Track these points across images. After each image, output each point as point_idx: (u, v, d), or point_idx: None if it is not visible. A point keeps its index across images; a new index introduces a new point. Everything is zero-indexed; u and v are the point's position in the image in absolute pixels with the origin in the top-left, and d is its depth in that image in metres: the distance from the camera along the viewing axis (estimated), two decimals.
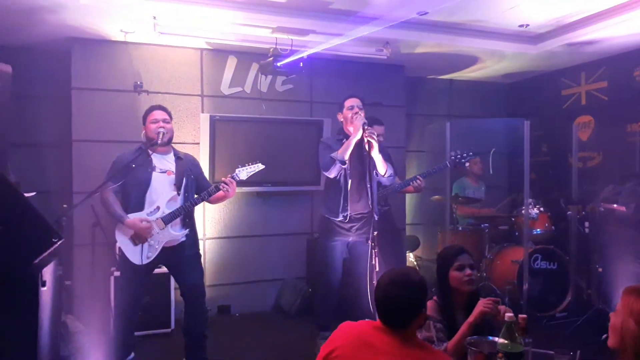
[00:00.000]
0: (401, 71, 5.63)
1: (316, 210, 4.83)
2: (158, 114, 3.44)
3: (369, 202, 3.65)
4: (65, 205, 3.22)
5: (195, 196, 3.47)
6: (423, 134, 6.11)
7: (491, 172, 5.51)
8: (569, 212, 4.73)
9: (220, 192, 3.44)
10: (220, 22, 4.20)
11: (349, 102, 3.80)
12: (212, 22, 4.20)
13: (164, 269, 3.97)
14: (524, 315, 2.13)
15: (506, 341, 1.95)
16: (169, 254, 3.41)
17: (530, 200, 4.76)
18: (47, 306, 2.40)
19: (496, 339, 2.01)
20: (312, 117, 5.15)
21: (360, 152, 3.65)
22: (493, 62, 5.53)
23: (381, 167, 3.67)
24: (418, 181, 4.30)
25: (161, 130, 3.37)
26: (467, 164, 4.26)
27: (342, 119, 3.83)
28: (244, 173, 3.54)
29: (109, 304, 4.06)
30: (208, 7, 3.97)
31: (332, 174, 3.69)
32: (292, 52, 4.33)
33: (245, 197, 4.93)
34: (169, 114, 3.50)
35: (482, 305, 2.31)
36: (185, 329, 3.50)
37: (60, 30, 4.25)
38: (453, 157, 4.29)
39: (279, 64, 4.26)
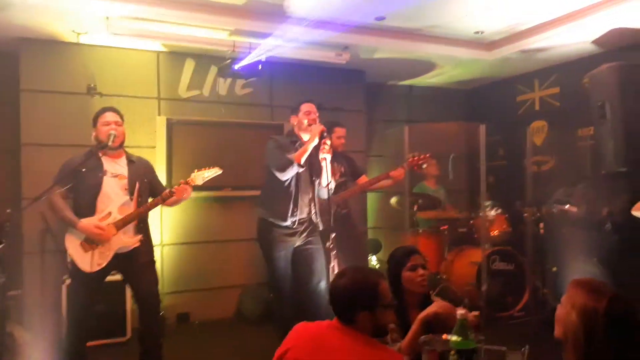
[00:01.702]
0: (361, 76, 5.68)
1: None
2: (109, 116, 3.32)
3: (313, 206, 3.66)
4: (9, 211, 3.09)
5: (150, 200, 3.38)
6: (382, 139, 6.16)
7: (450, 177, 5.59)
8: (525, 214, 4.84)
9: (174, 197, 3.34)
10: (176, 24, 4.14)
11: (305, 107, 3.73)
12: (168, 24, 4.13)
13: (119, 276, 3.86)
14: (477, 313, 2.16)
15: (458, 338, 1.97)
16: (122, 261, 3.28)
17: (488, 202, 4.87)
18: None
19: (449, 336, 2.02)
20: (273, 121, 5.13)
21: (309, 157, 3.58)
22: (450, 68, 5.65)
23: (327, 177, 3.55)
24: (396, 172, 4.21)
25: (112, 132, 3.25)
26: (424, 166, 4.28)
27: (295, 122, 3.79)
28: (199, 178, 3.45)
29: (60, 313, 3.92)
30: (163, 9, 3.92)
31: (286, 176, 3.56)
32: (250, 55, 4.30)
33: (204, 201, 4.85)
34: (121, 116, 3.38)
35: (436, 307, 2.28)
36: (139, 338, 3.40)
37: (8, 30, 4.10)
38: (411, 159, 4.29)
39: (237, 67, 4.22)
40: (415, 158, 4.27)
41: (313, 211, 3.70)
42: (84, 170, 3.21)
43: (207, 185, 4.60)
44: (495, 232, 4.91)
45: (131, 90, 4.63)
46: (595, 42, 4.72)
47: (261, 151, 4.81)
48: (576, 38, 4.65)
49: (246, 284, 4.96)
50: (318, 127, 3.55)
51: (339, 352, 1.82)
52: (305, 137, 3.66)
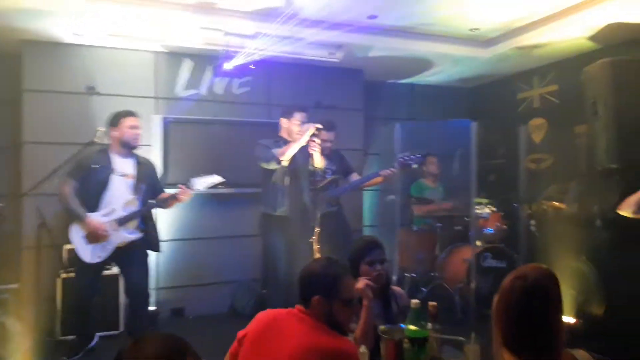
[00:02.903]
0: (359, 75, 5.71)
1: None
2: (135, 121, 3.57)
3: (304, 200, 3.85)
4: (1, 204, 3.23)
5: (151, 201, 3.54)
6: (378, 137, 6.17)
7: (456, 172, 5.59)
8: (520, 212, 4.82)
9: (174, 200, 3.56)
10: (172, 25, 4.24)
11: (298, 116, 3.95)
12: (164, 25, 4.24)
13: (113, 271, 3.99)
14: (434, 303, 2.19)
15: (412, 327, 2.01)
16: (120, 253, 3.47)
17: (485, 200, 4.87)
18: None
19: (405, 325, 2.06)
20: (270, 119, 5.19)
21: (298, 153, 3.81)
22: (448, 66, 5.64)
23: (318, 160, 3.84)
24: (387, 171, 4.27)
25: (139, 136, 3.55)
26: (414, 166, 4.29)
27: (285, 125, 3.93)
28: (199, 184, 3.62)
29: (55, 306, 4.05)
30: (159, 9, 4.02)
31: (270, 166, 3.87)
32: (244, 54, 4.38)
33: (199, 199, 4.93)
34: (139, 119, 3.65)
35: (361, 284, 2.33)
36: (128, 329, 3.53)
37: (10, 33, 4.25)
38: (401, 159, 4.33)
39: (231, 66, 4.31)
40: (405, 159, 4.28)
41: (305, 205, 3.89)
42: (94, 166, 3.41)
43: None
44: (490, 230, 4.89)
45: (129, 90, 4.74)
46: (592, 38, 4.68)
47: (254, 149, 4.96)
48: (572, 34, 4.61)
49: (240, 279, 5.03)
50: (309, 130, 3.70)
51: (292, 337, 1.87)
52: (291, 139, 3.90)
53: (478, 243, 4.82)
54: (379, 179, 4.35)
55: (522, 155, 5.08)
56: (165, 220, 4.86)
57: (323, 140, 4.37)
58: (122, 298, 4.22)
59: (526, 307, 1.48)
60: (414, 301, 2.04)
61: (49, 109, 4.48)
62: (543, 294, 1.50)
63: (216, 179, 3.67)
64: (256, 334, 1.96)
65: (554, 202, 4.40)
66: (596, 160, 4.23)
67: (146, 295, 3.62)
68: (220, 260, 5.02)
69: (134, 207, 3.45)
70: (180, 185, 3.58)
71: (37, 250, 3.96)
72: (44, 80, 4.49)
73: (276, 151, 3.78)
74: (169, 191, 3.77)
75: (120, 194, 3.44)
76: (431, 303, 2.18)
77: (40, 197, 4.04)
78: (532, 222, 4.54)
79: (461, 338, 2.14)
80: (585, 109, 4.33)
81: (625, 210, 3.68)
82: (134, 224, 3.48)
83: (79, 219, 3.35)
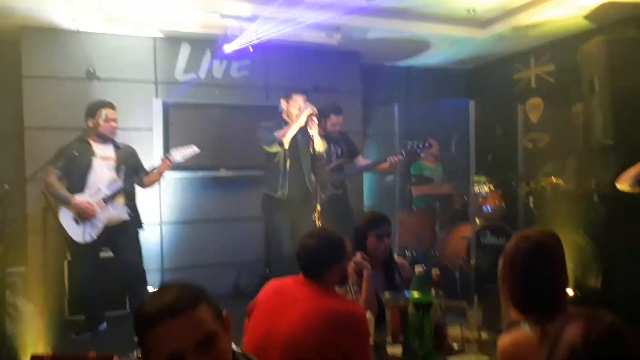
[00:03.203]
0: (356, 57, 5.74)
1: None
2: (112, 114, 3.72)
3: (306, 181, 3.91)
4: (7, 186, 3.28)
5: (134, 177, 3.75)
6: (376, 120, 6.22)
7: (453, 151, 5.66)
8: (518, 190, 4.90)
9: (154, 173, 3.75)
10: (169, 9, 4.26)
11: (297, 99, 3.97)
12: (161, 9, 4.25)
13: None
14: (437, 271, 2.26)
15: (417, 293, 2.08)
16: (111, 234, 3.63)
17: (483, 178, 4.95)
18: None
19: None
20: (268, 103, 5.23)
21: (299, 135, 3.86)
22: (445, 47, 5.67)
23: (319, 143, 3.88)
24: (395, 158, 4.28)
25: (114, 129, 3.72)
26: (422, 155, 4.32)
27: (285, 107, 3.98)
28: (177, 155, 3.79)
29: (63, 288, 4.12)
30: None
31: (272, 148, 3.92)
32: (242, 38, 4.40)
33: (201, 182, 5.00)
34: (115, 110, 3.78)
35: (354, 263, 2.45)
36: (132, 307, 3.66)
37: (9, 19, 4.26)
38: (409, 148, 4.28)
39: (229, 49, 4.34)
40: (413, 148, 4.26)
41: (306, 186, 3.95)
42: (75, 153, 3.60)
43: (204, 166, 4.79)
44: (488, 208, 4.97)
45: (129, 75, 4.77)
46: (587, 17, 4.72)
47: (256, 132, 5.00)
48: (567, 13, 4.65)
49: (243, 260, 5.11)
50: (306, 111, 3.75)
51: (302, 301, 1.94)
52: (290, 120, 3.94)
53: (477, 221, 4.89)
54: (386, 165, 4.37)
55: (520, 135, 5.14)
56: (169, 203, 4.93)
57: (332, 124, 4.42)
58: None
59: (531, 266, 1.55)
60: (418, 269, 2.11)
61: (49, 95, 4.51)
62: (547, 254, 1.57)
63: (193, 149, 3.85)
64: (266, 300, 2.03)
65: (552, 178, 4.48)
66: (593, 137, 4.30)
67: (142, 272, 3.74)
68: (223, 241, 5.08)
69: (118, 185, 3.62)
70: (161, 158, 3.78)
71: (43, 234, 4.01)
72: (43, 66, 4.51)
73: (277, 133, 3.82)
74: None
75: (103, 175, 3.63)
76: (435, 271, 2.25)
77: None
78: (530, 199, 4.62)
79: (464, 304, 2.21)
80: (581, 87, 4.38)
81: (622, 184, 3.76)
82: (120, 202, 3.65)
83: (66, 201, 3.52)
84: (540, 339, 1.46)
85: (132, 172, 3.74)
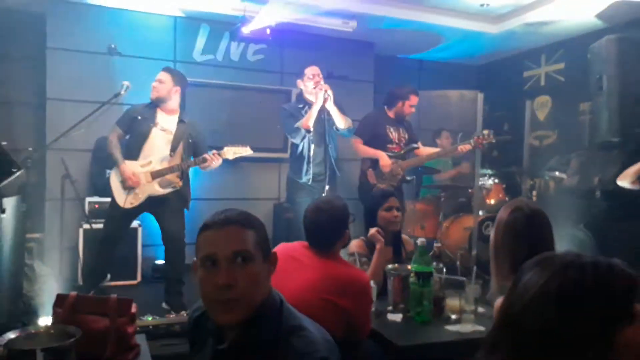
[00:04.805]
0: (370, 47, 5.85)
1: (283, 177, 5.03)
2: (160, 75, 3.71)
3: (331, 162, 3.93)
4: (30, 149, 3.41)
5: (186, 161, 3.66)
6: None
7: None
8: (522, 185, 4.99)
9: (205, 163, 3.66)
10: None
11: (309, 71, 4.03)
12: None
13: (133, 224, 4.18)
14: (439, 244, 2.39)
15: (418, 263, 2.20)
16: (154, 204, 3.64)
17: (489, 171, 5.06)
18: (7, 234, 2.59)
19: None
20: (282, 87, 5.35)
21: (320, 116, 3.86)
22: (457, 41, 5.76)
23: (339, 120, 3.92)
24: (465, 147, 4.30)
25: (153, 86, 3.66)
26: (484, 145, 4.32)
27: (302, 86, 4.06)
28: (229, 153, 3.75)
29: (78, 254, 4.27)
30: None
31: (297, 140, 3.99)
32: (260, 20, 4.51)
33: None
34: (172, 77, 3.70)
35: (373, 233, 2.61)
36: (164, 274, 3.78)
37: None
38: (479, 138, 4.30)
39: (246, 30, 4.45)
40: (482, 138, 4.30)
41: (331, 167, 3.96)
42: (139, 118, 3.60)
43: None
44: (492, 201, 5.07)
45: (148, 52, 4.90)
46: (599, 15, 4.80)
47: (270, 114, 5.12)
48: (579, 11, 4.74)
49: None
50: (322, 91, 3.81)
51: (310, 266, 2.07)
52: (312, 98, 3.96)
53: (480, 213, 4.99)
54: (452, 152, 4.44)
55: (526, 131, 5.23)
56: (192, 181, 5.05)
57: (411, 105, 4.35)
58: (140, 250, 4.45)
59: (533, 232, 1.67)
60: (421, 240, 2.24)
61: (71, 67, 4.64)
62: (544, 218, 1.69)
63: (247, 150, 3.81)
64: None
65: (557, 173, 4.57)
66: (598, 134, 4.40)
67: (182, 244, 3.71)
68: None
69: (169, 162, 3.60)
70: (213, 152, 3.70)
71: (61, 202, 4.16)
72: (67, 39, 4.64)
73: (300, 123, 3.86)
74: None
75: (158, 148, 3.60)
76: (436, 244, 2.37)
77: (64, 152, 4.24)
78: (534, 193, 4.71)
79: (462, 278, 2.33)
80: (589, 86, 4.47)
81: (624, 181, 3.86)
82: (169, 179, 3.61)
83: (116, 163, 3.56)
84: None
85: (189, 151, 3.70)
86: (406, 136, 4.43)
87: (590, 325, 0.85)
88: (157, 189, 3.59)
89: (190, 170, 3.82)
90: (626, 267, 0.92)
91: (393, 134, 4.34)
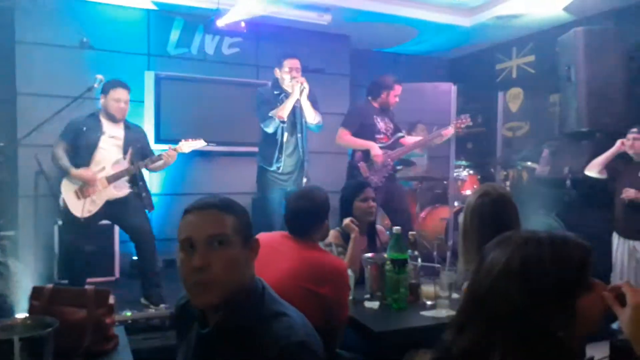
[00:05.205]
0: (346, 41, 5.87)
1: None
2: (122, 94, 3.65)
3: (301, 153, 3.92)
4: (2, 144, 3.35)
5: (139, 162, 3.69)
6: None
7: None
8: (495, 174, 5.11)
9: (160, 161, 3.70)
10: None
11: (287, 64, 3.97)
12: None
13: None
14: (414, 232, 2.44)
15: (393, 250, 2.25)
16: (113, 208, 3.63)
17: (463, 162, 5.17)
18: None
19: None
20: (259, 80, 5.34)
21: (294, 105, 3.88)
22: (431, 35, 5.84)
23: (310, 115, 3.91)
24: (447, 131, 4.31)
25: (121, 108, 3.64)
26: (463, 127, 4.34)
27: (278, 76, 4.02)
28: (186, 146, 3.81)
29: (53, 251, 4.22)
30: None
31: (270, 129, 3.93)
32: (235, 13, 4.49)
33: (190, 155, 5.08)
34: (129, 91, 3.72)
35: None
36: (140, 269, 3.75)
37: None
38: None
39: (220, 23, 4.43)
40: (460, 121, 4.35)
41: (301, 158, 3.97)
42: (85, 129, 3.58)
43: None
44: (467, 192, 5.18)
45: (122, 46, 4.84)
46: (567, 8, 4.91)
47: (246, 108, 5.10)
48: (548, 4, 4.84)
49: None
50: (299, 84, 3.82)
51: (288, 253, 2.10)
52: (289, 89, 3.92)
53: (456, 204, 5.10)
54: (441, 138, 4.38)
55: (500, 123, 5.35)
56: (158, 176, 5.02)
57: (395, 95, 4.33)
58: (117, 246, 4.41)
59: (499, 215, 1.74)
60: (396, 228, 2.28)
61: (42, 62, 4.55)
62: (509, 202, 1.76)
63: (201, 143, 3.88)
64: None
65: (529, 163, 4.69)
66: (567, 124, 4.52)
67: (152, 238, 3.73)
68: None
69: (123, 166, 3.63)
70: (169, 146, 3.74)
71: (35, 199, 4.10)
72: (37, 33, 4.55)
73: (274, 113, 3.82)
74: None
75: (109, 154, 3.62)
76: (411, 232, 2.42)
77: (37, 148, 4.16)
78: (507, 183, 4.83)
79: (437, 265, 2.39)
80: (559, 78, 4.59)
81: (592, 171, 3.99)
82: (123, 182, 3.65)
83: (67, 172, 3.54)
84: None
85: (139, 154, 3.72)
86: (392, 126, 4.42)
87: (552, 295, 0.90)
88: (114, 193, 3.60)
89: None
90: (579, 239, 0.97)
91: (380, 124, 4.32)
